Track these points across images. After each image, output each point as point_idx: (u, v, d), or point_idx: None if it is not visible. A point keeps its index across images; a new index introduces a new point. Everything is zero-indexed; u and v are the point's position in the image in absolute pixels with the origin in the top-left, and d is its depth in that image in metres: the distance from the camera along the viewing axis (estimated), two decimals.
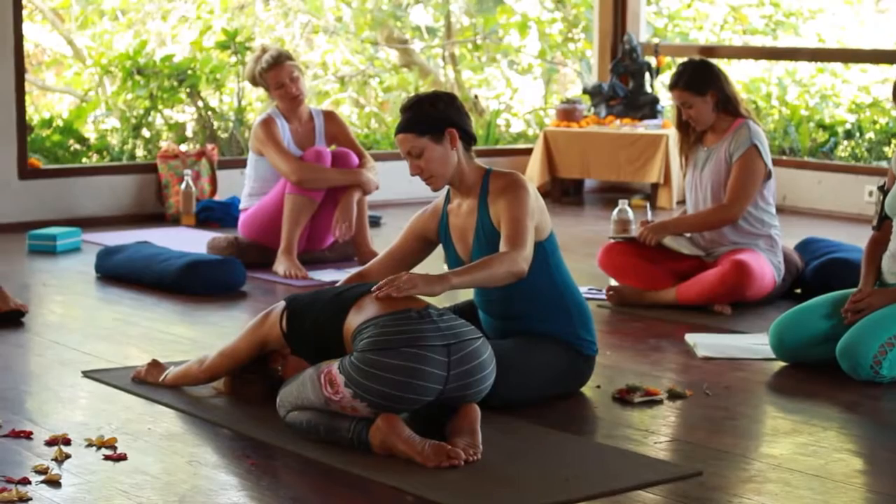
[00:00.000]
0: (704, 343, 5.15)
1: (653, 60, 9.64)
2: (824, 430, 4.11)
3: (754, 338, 5.27)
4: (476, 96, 12.64)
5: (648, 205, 6.46)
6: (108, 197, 8.37)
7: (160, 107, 9.72)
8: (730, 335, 5.34)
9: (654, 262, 5.92)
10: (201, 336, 5.32)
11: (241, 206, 7.00)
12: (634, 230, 6.03)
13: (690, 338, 5.24)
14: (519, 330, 4.36)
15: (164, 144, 9.35)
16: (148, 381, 4.49)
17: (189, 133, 10.08)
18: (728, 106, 5.86)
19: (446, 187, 4.37)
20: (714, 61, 6.39)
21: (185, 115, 10.20)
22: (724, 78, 5.89)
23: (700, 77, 5.86)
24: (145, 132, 9.69)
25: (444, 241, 4.44)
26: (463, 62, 13.40)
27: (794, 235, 6.73)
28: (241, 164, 7.82)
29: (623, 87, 9.59)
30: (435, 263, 5.20)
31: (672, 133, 8.63)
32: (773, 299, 5.87)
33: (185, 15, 12.35)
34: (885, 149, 9.55)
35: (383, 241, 6.37)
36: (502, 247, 4.15)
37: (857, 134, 10.03)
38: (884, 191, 4.94)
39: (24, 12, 8.14)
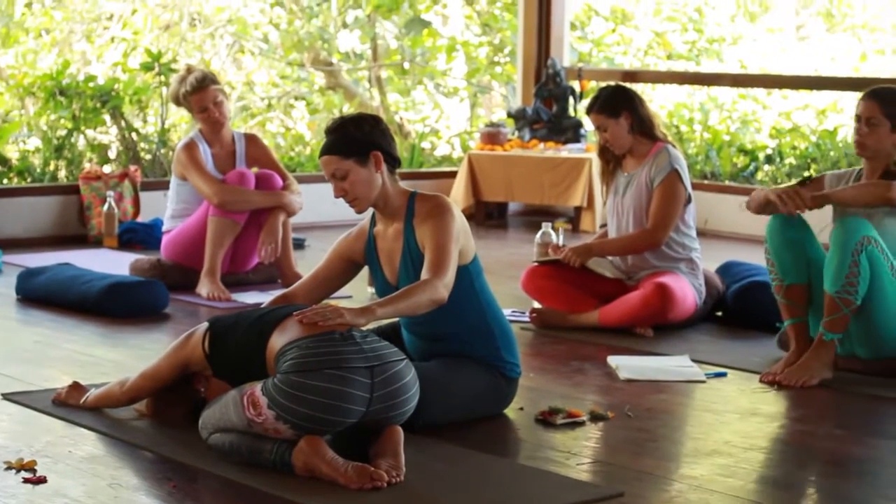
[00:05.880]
0: (627, 365, 5.18)
1: (576, 85, 9.70)
2: (744, 451, 4.15)
3: (676, 360, 5.31)
4: (401, 118, 12.67)
5: (560, 230, 6.49)
6: (30, 218, 8.30)
7: (83, 128, 9.65)
8: (652, 357, 5.37)
9: (577, 285, 5.96)
10: (123, 358, 5.28)
11: (164, 227, 6.96)
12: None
13: (613, 360, 5.27)
14: (443, 351, 4.37)
15: (86, 166, 9.28)
16: (69, 404, 4.45)
17: (112, 154, 10.01)
18: (644, 128, 5.93)
19: (371, 210, 4.38)
20: (638, 86, 6.46)
21: (109, 136, 10.13)
22: (638, 100, 5.96)
23: (613, 100, 5.93)
24: (67, 153, 9.61)
25: (371, 264, 4.44)
26: (391, 84, 13.42)
27: (715, 259, 6.79)
28: (165, 185, 7.78)
29: (547, 111, 9.64)
30: (359, 286, 5.20)
31: (595, 157, 8.69)
32: (694, 322, 5.93)
33: (114, 35, 12.28)
34: (805, 173, 9.66)
35: (307, 264, 6.36)
36: (424, 273, 4.15)
37: (778, 159, 10.16)
38: None
39: None
